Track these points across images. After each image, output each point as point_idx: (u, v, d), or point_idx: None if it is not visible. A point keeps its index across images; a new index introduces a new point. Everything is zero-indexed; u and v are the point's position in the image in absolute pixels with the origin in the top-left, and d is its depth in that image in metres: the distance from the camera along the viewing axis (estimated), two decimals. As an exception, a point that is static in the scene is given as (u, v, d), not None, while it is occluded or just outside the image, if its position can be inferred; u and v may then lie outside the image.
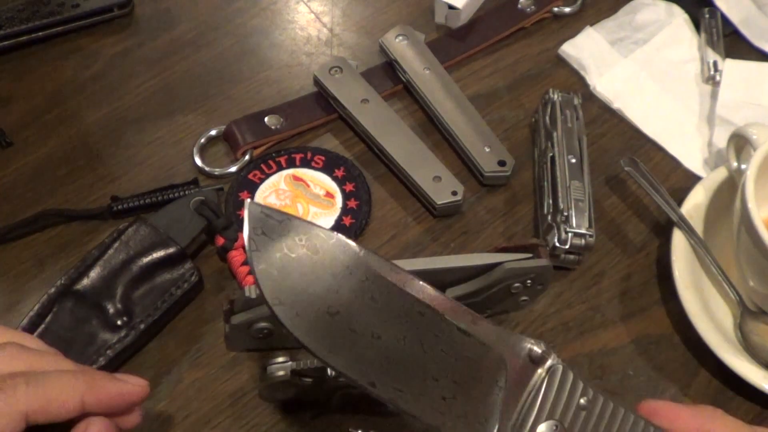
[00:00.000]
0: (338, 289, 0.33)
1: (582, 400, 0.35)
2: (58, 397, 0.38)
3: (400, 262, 0.54)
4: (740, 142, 0.62)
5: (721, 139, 0.69)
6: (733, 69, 0.73)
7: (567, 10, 0.79)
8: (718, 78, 0.74)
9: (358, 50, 0.76)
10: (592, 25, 0.78)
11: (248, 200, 0.34)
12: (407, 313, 0.34)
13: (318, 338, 0.32)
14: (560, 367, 0.35)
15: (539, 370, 0.35)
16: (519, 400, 0.34)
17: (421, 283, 0.35)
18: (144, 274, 0.57)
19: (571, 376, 0.35)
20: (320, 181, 0.66)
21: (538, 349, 0.35)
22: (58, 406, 0.38)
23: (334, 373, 0.52)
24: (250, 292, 0.52)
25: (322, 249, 0.33)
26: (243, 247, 0.60)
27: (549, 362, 0.35)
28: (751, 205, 0.54)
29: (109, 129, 0.69)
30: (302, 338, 0.32)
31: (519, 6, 0.79)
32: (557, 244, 0.59)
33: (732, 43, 0.78)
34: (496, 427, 0.34)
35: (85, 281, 0.56)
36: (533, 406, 0.34)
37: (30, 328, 0.55)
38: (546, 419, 0.34)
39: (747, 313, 0.58)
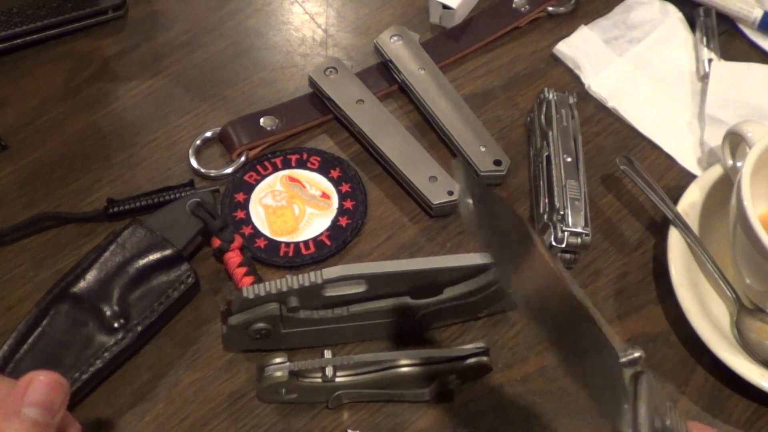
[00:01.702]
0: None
1: (668, 403, 0.38)
2: None
3: (397, 263, 0.54)
4: (735, 140, 0.62)
5: (712, 138, 0.69)
6: (720, 70, 0.74)
7: (561, 9, 0.79)
8: (712, 76, 0.74)
9: (352, 51, 0.76)
10: (586, 24, 0.78)
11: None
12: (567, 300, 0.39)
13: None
14: (647, 372, 0.38)
15: (632, 372, 0.38)
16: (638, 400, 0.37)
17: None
18: (140, 277, 0.57)
19: (653, 380, 0.38)
20: (316, 181, 0.66)
21: (637, 354, 0.38)
22: None
23: (331, 373, 0.52)
24: (247, 292, 0.52)
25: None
26: (240, 248, 0.60)
27: (639, 366, 0.38)
28: (747, 202, 0.54)
29: (104, 131, 0.69)
30: None
31: (513, 5, 0.79)
32: (553, 243, 0.59)
33: (726, 41, 0.78)
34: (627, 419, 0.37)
35: (82, 284, 0.56)
36: (644, 400, 0.37)
37: (26, 332, 0.55)
38: (655, 412, 0.37)
39: (743, 310, 0.58)
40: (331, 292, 0.53)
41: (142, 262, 0.57)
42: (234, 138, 0.67)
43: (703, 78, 0.74)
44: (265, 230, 0.63)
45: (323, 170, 0.67)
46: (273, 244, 0.62)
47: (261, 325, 0.53)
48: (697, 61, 0.76)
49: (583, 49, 0.76)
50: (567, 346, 0.38)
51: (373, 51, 0.74)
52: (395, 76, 0.72)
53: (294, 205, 0.64)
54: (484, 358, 0.54)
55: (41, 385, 0.40)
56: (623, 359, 0.38)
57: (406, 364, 0.53)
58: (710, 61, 0.75)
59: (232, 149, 0.67)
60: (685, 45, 0.77)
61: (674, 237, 0.61)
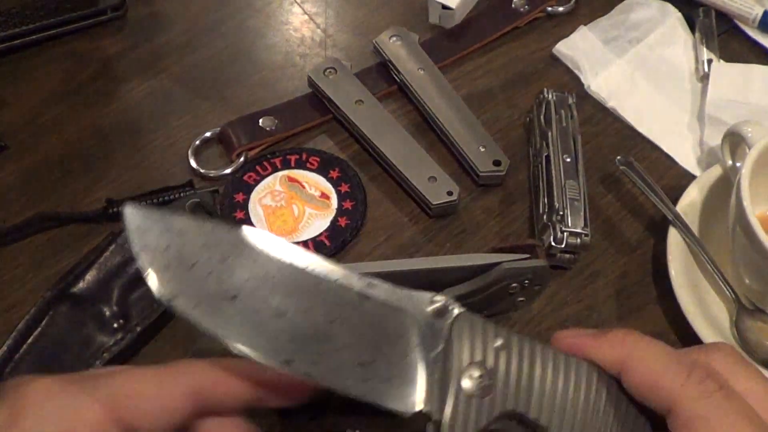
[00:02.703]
0: (232, 272, 0.33)
1: (498, 342, 0.34)
2: (226, 379, 0.34)
3: (396, 263, 0.54)
4: (735, 140, 0.62)
5: (711, 138, 0.69)
6: (720, 70, 0.74)
7: (561, 9, 0.79)
8: (712, 76, 0.74)
9: (352, 51, 0.76)
10: (586, 24, 0.78)
11: (123, 207, 0.33)
12: (304, 286, 0.33)
13: (221, 325, 0.32)
14: (466, 314, 0.34)
15: (447, 321, 0.34)
16: (436, 352, 0.33)
17: (308, 254, 0.34)
18: (140, 277, 0.57)
19: (480, 321, 0.34)
20: (315, 182, 0.66)
21: (439, 300, 0.34)
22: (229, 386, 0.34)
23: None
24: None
25: (204, 239, 0.33)
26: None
27: (455, 311, 0.34)
28: (747, 203, 0.54)
29: (104, 132, 0.69)
30: (206, 326, 0.32)
31: (513, 5, 0.79)
32: (553, 244, 0.59)
33: (726, 41, 0.78)
34: (424, 384, 0.33)
35: (81, 284, 0.56)
36: (451, 356, 0.33)
37: (26, 332, 0.54)
38: (468, 365, 0.33)
39: (743, 310, 0.58)
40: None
41: (142, 262, 0.57)
42: (233, 138, 0.67)
43: (703, 78, 0.74)
44: (265, 230, 0.63)
45: (322, 170, 0.67)
46: (272, 245, 0.62)
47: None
48: (696, 62, 0.76)
49: (582, 49, 0.76)
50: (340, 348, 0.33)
51: (372, 51, 0.74)
52: (394, 76, 0.72)
53: (293, 206, 0.64)
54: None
55: None
56: (428, 311, 0.34)
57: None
58: (710, 61, 0.75)
59: (232, 150, 0.67)
60: (684, 45, 0.77)
61: (674, 237, 0.61)
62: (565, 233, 0.59)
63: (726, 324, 0.59)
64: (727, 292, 0.59)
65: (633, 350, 0.35)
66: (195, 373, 0.34)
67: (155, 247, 0.32)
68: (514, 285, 0.55)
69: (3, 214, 0.63)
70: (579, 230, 0.60)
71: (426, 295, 0.35)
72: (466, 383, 0.32)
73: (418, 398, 0.32)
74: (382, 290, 0.34)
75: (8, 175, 0.66)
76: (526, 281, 0.55)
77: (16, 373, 0.53)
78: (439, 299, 0.34)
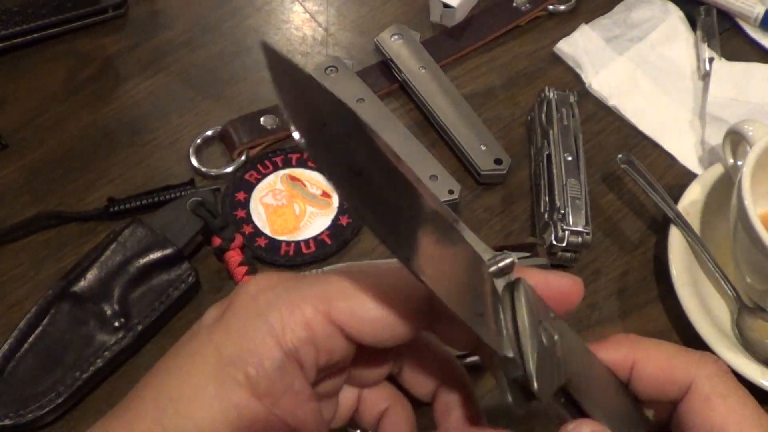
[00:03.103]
0: (354, 150, 0.31)
1: (551, 314, 0.33)
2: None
3: (396, 261, 0.54)
4: (736, 139, 0.62)
5: (712, 137, 0.69)
6: (721, 69, 0.74)
7: (562, 7, 0.79)
8: (713, 75, 0.74)
9: (353, 50, 0.76)
10: (587, 22, 0.78)
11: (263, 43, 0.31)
12: (409, 194, 0.32)
13: (357, 196, 0.29)
14: (527, 282, 0.33)
15: (508, 283, 0.33)
16: (502, 309, 0.32)
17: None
18: (141, 276, 0.57)
19: (534, 291, 0.33)
20: (317, 180, 0.66)
21: (509, 259, 0.33)
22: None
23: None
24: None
25: (332, 109, 0.31)
26: (241, 247, 0.60)
27: (514, 275, 0.33)
28: (748, 201, 0.54)
29: (105, 130, 0.69)
30: (346, 192, 0.29)
31: (514, 4, 0.79)
32: (554, 242, 0.59)
33: (728, 40, 0.78)
34: (504, 333, 0.31)
35: (82, 283, 0.56)
36: (524, 312, 0.31)
37: (27, 330, 0.55)
38: (540, 323, 0.32)
39: (744, 309, 0.58)
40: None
41: (143, 261, 0.57)
42: (234, 137, 0.67)
43: (704, 77, 0.74)
44: (266, 229, 0.63)
45: (324, 169, 0.66)
46: (274, 243, 0.62)
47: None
48: (698, 60, 0.76)
49: (583, 47, 0.76)
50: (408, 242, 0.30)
51: (373, 50, 0.74)
52: (396, 75, 0.72)
53: (295, 204, 0.64)
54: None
55: None
56: (492, 267, 0.33)
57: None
58: (711, 60, 0.75)
59: (233, 148, 0.67)
60: (686, 44, 0.77)
61: (675, 236, 0.60)
62: (567, 232, 0.59)
63: (727, 322, 0.59)
64: (729, 291, 0.59)
65: (640, 345, 0.35)
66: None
67: (289, 90, 0.30)
68: (515, 283, 0.55)
69: (4, 212, 0.63)
70: (580, 229, 0.60)
71: (489, 249, 0.34)
72: (543, 339, 0.31)
73: (504, 343, 0.31)
74: (465, 233, 0.34)
75: (9, 174, 0.66)
76: (528, 280, 0.55)
77: (17, 372, 0.53)
78: (507, 257, 0.33)
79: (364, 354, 0.34)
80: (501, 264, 0.33)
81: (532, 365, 0.30)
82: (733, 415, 0.33)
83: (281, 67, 0.30)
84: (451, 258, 0.32)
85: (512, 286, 0.32)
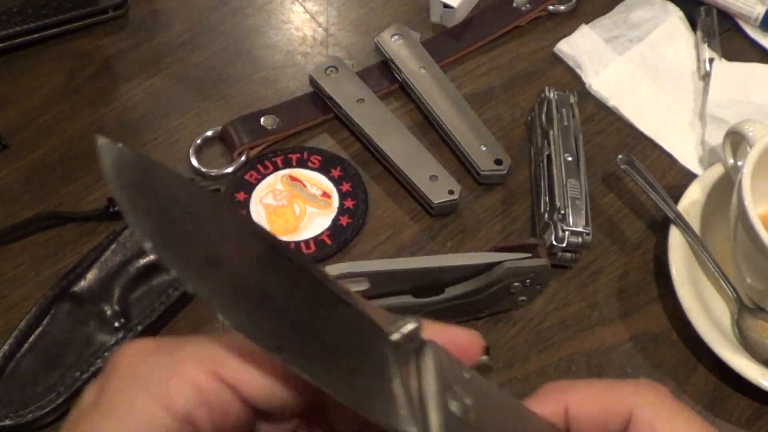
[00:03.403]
0: (215, 237, 0.29)
1: (466, 375, 0.31)
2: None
3: (398, 261, 0.54)
4: (736, 139, 0.62)
5: (713, 137, 0.69)
6: (722, 69, 0.74)
7: (562, 8, 0.79)
8: (713, 75, 0.74)
9: (353, 50, 0.76)
10: (587, 23, 0.78)
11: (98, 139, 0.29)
12: (287, 273, 0.30)
13: (212, 292, 0.27)
14: (434, 344, 0.30)
15: (415, 345, 0.30)
16: (408, 374, 0.30)
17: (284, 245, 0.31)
18: (141, 276, 0.57)
19: (446, 353, 0.31)
20: (317, 181, 0.66)
21: (413, 325, 0.30)
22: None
23: None
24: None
25: (189, 197, 0.29)
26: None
27: (423, 337, 0.31)
28: (748, 201, 0.54)
29: (105, 131, 0.69)
30: (199, 291, 0.27)
31: (514, 4, 0.78)
32: (554, 243, 0.59)
33: (727, 40, 0.78)
34: (405, 407, 0.29)
35: (83, 283, 0.56)
36: (429, 379, 0.29)
37: (27, 331, 0.55)
38: (448, 389, 0.29)
39: (744, 309, 0.58)
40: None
41: (143, 261, 0.57)
42: (234, 137, 0.67)
43: (704, 77, 0.74)
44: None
45: (324, 169, 0.67)
46: (274, 244, 0.62)
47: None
48: (698, 60, 0.76)
49: (583, 48, 0.76)
50: (307, 344, 0.28)
51: (373, 50, 0.74)
52: (396, 75, 0.72)
53: (295, 205, 0.64)
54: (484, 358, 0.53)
55: None
56: (395, 335, 0.30)
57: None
58: (711, 60, 0.75)
59: (233, 148, 0.67)
60: (686, 44, 0.77)
61: (675, 236, 0.60)
62: (567, 232, 0.59)
63: (727, 323, 0.59)
64: (729, 291, 0.59)
65: (569, 389, 0.34)
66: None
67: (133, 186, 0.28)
68: (515, 284, 0.55)
69: (4, 213, 0.63)
70: (580, 229, 0.59)
71: (397, 317, 0.31)
72: (452, 407, 0.29)
73: (406, 418, 0.28)
74: (361, 303, 0.31)
75: (9, 174, 0.66)
76: (528, 280, 0.55)
77: (17, 373, 0.53)
78: (415, 323, 0.30)
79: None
80: (404, 330, 0.30)
81: None
82: None
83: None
84: (334, 336, 0.29)
85: (417, 353, 0.30)
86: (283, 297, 0.29)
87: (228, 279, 0.28)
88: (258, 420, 0.32)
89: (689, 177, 0.67)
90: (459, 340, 0.33)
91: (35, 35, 0.73)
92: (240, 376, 0.29)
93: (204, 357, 0.29)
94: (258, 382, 0.29)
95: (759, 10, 0.77)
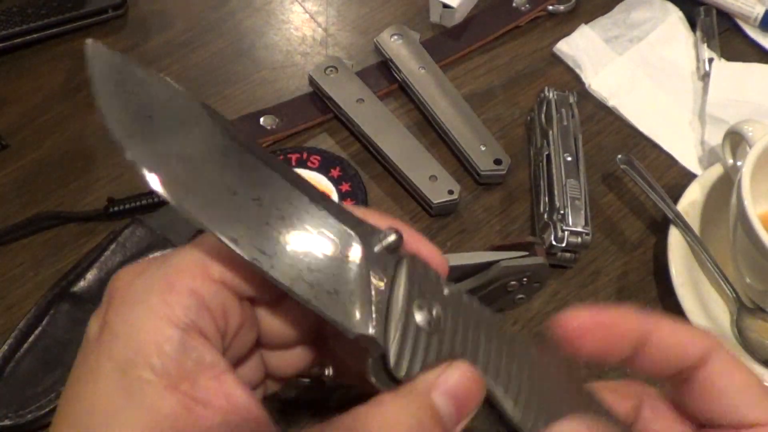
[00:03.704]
0: (189, 138, 0.30)
1: (446, 290, 0.32)
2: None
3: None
4: (736, 139, 0.62)
5: (712, 137, 0.69)
6: (721, 69, 0.74)
7: (561, 8, 0.79)
8: (713, 75, 0.74)
9: (353, 50, 0.76)
10: (586, 23, 0.78)
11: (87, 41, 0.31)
12: (256, 175, 0.30)
13: (179, 190, 0.29)
14: (416, 259, 0.32)
15: (396, 258, 0.31)
16: (382, 284, 0.30)
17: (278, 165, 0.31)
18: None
19: (429, 268, 0.32)
20: (316, 181, 0.66)
21: (394, 237, 0.31)
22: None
23: (331, 372, 0.51)
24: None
25: (167, 94, 0.31)
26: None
27: (396, 249, 0.32)
28: (748, 201, 0.54)
29: (104, 131, 0.69)
30: (166, 194, 0.29)
31: (514, 4, 0.79)
32: (554, 242, 0.59)
33: (727, 40, 0.78)
34: (368, 304, 0.29)
35: (82, 283, 0.56)
36: (399, 289, 0.30)
37: (27, 331, 0.54)
38: (417, 300, 0.30)
39: (744, 309, 0.58)
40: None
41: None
42: (234, 137, 0.67)
43: (704, 77, 0.74)
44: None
45: (323, 169, 0.66)
46: (273, 244, 0.62)
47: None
48: (697, 60, 0.76)
49: (583, 48, 0.76)
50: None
51: (373, 50, 0.74)
52: (395, 75, 0.72)
53: (294, 205, 0.64)
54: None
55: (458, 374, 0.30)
56: (377, 246, 0.31)
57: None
58: (711, 60, 0.75)
59: (233, 148, 0.67)
60: (685, 44, 0.77)
61: (674, 236, 0.60)
62: (566, 232, 0.59)
63: (726, 323, 0.59)
64: (728, 291, 0.59)
65: (654, 321, 0.34)
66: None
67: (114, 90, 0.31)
68: (513, 282, 0.55)
69: (3, 213, 0.63)
70: (580, 229, 0.59)
71: (375, 229, 0.32)
72: (417, 315, 0.30)
73: (364, 322, 0.29)
74: (334, 208, 0.31)
75: (9, 174, 0.66)
76: (525, 279, 0.55)
77: (17, 373, 0.53)
78: (394, 235, 0.31)
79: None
80: (385, 242, 0.31)
81: (391, 342, 0.29)
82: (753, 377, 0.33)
83: (111, 62, 0.31)
84: (302, 240, 0.30)
85: (396, 264, 0.31)
86: (251, 199, 0.29)
87: (191, 174, 0.29)
88: (264, 349, 0.33)
89: (689, 177, 0.67)
90: (430, 257, 0.33)
91: (35, 35, 0.73)
92: (230, 273, 0.30)
93: (193, 263, 0.30)
94: (247, 276, 0.30)
95: (758, 10, 0.77)
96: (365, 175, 0.67)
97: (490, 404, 0.31)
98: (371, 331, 0.29)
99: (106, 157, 0.67)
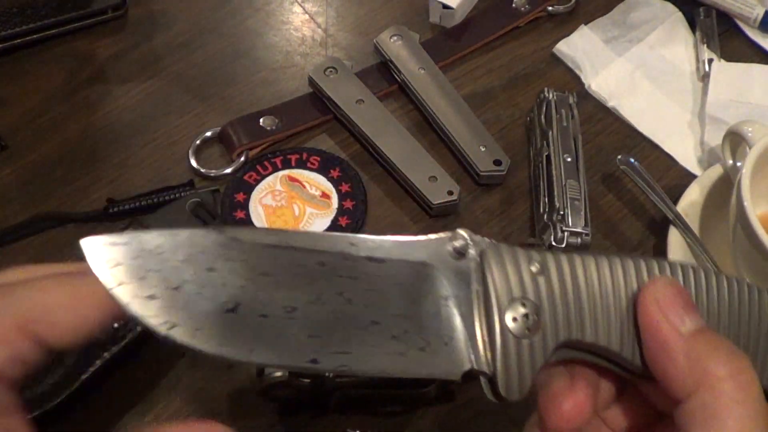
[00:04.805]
0: (223, 281, 0.28)
1: (533, 267, 0.30)
2: (64, 302, 0.30)
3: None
4: (735, 140, 0.62)
5: (712, 138, 0.69)
6: (721, 70, 0.74)
7: (561, 8, 0.79)
8: (712, 76, 0.74)
9: (352, 51, 0.76)
10: (586, 23, 0.78)
11: (81, 241, 0.31)
12: (308, 271, 0.29)
13: (231, 343, 0.27)
14: (491, 246, 0.31)
15: (471, 261, 0.31)
16: (470, 298, 0.30)
17: (303, 233, 0.30)
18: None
19: (507, 249, 0.31)
20: (316, 181, 0.66)
21: (459, 242, 0.31)
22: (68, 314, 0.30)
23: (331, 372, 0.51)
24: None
25: (183, 252, 0.28)
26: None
27: (478, 247, 0.31)
28: (747, 202, 0.54)
29: (104, 131, 0.69)
30: (215, 351, 0.27)
31: (513, 5, 0.79)
32: (554, 243, 0.59)
33: (727, 41, 0.78)
34: (464, 338, 0.29)
35: (82, 284, 0.56)
36: (488, 299, 0.30)
37: (26, 332, 0.54)
38: (508, 304, 0.29)
39: (743, 310, 0.58)
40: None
41: (142, 262, 0.57)
42: (234, 138, 0.67)
43: (704, 78, 0.74)
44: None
45: (323, 170, 0.67)
46: (273, 244, 0.62)
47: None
48: (697, 61, 0.76)
49: (583, 48, 0.76)
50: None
51: (373, 51, 0.74)
52: (395, 75, 0.72)
53: (294, 205, 0.64)
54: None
55: None
56: (448, 256, 0.30)
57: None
58: (710, 61, 0.75)
59: (232, 149, 0.67)
60: (685, 45, 0.77)
61: (674, 237, 0.60)
62: (566, 233, 0.59)
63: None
64: (728, 292, 0.59)
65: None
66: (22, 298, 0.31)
67: (131, 278, 0.28)
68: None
69: (3, 213, 0.63)
70: (579, 230, 0.59)
71: (440, 237, 0.31)
72: (511, 325, 0.29)
73: (463, 357, 0.29)
74: (394, 248, 0.30)
75: (8, 175, 0.66)
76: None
77: (16, 373, 0.53)
78: (457, 238, 0.31)
79: None
80: (456, 244, 0.30)
81: (498, 368, 0.29)
82: None
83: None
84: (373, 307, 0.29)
85: (481, 262, 0.30)
86: (310, 302, 0.28)
87: (248, 318, 0.27)
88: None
89: (688, 178, 0.67)
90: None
91: (35, 36, 0.73)
92: (53, 332, 0.30)
93: (19, 314, 0.30)
94: (72, 334, 0.31)
95: (758, 11, 0.77)
96: (365, 175, 0.67)
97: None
98: (476, 365, 0.29)
99: (106, 158, 0.67)
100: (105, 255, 0.30)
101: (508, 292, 0.30)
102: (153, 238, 0.29)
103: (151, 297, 0.27)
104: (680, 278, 0.32)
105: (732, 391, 0.29)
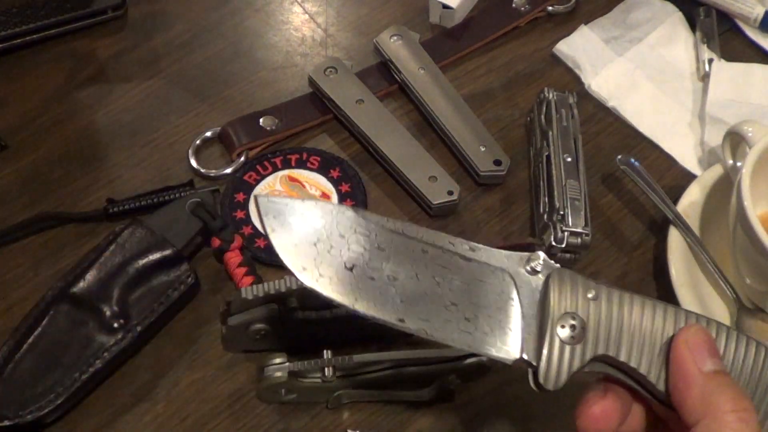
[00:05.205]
0: (348, 246, 0.37)
1: (590, 294, 0.37)
2: None
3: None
4: (735, 140, 0.62)
5: (712, 138, 0.69)
6: (721, 70, 0.74)
7: (561, 8, 0.79)
8: (713, 76, 0.74)
9: (352, 50, 0.76)
10: (586, 23, 0.78)
11: (254, 195, 0.37)
12: (413, 254, 0.38)
13: (343, 291, 0.36)
14: (560, 270, 0.38)
15: (541, 277, 0.38)
16: (533, 305, 0.37)
17: (416, 226, 0.39)
18: (140, 277, 0.57)
19: (572, 275, 0.38)
20: (316, 181, 0.66)
21: (535, 262, 0.38)
22: None
23: (331, 373, 0.52)
24: (247, 293, 0.51)
25: (325, 219, 0.37)
26: (240, 248, 0.60)
27: (547, 268, 0.38)
28: (747, 202, 0.54)
29: (104, 131, 0.69)
30: (330, 294, 0.36)
31: (513, 5, 0.78)
32: (554, 243, 0.59)
33: (727, 41, 0.78)
34: (521, 334, 0.37)
35: (81, 284, 0.56)
36: (547, 309, 0.37)
37: (26, 331, 0.55)
38: (561, 316, 0.37)
39: (744, 310, 0.58)
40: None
41: (142, 262, 0.57)
42: (234, 138, 0.67)
43: (704, 78, 0.74)
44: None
45: (323, 170, 0.66)
46: (273, 244, 0.62)
47: (260, 325, 0.53)
48: (697, 61, 0.76)
49: (583, 48, 0.76)
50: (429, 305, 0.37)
51: (373, 51, 0.74)
52: (395, 75, 0.72)
53: (294, 205, 0.64)
54: (483, 358, 0.54)
55: None
56: (524, 269, 0.38)
57: (406, 364, 0.53)
58: (711, 60, 0.75)
59: (232, 149, 0.67)
60: (685, 45, 0.77)
61: (674, 237, 0.60)
62: (566, 233, 0.59)
63: (726, 324, 0.59)
64: (728, 292, 0.59)
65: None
66: None
67: (284, 227, 0.37)
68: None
69: (3, 213, 0.63)
70: (579, 230, 0.59)
71: (523, 255, 0.39)
72: (560, 332, 0.36)
73: (517, 347, 0.37)
74: (483, 253, 0.39)
75: (8, 175, 0.66)
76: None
77: (16, 373, 0.53)
78: (535, 259, 0.38)
79: None
80: (532, 263, 0.38)
81: (542, 361, 0.36)
82: None
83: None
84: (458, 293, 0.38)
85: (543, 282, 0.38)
86: (409, 277, 0.37)
87: (361, 278, 0.37)
88: None
89: (688, 178, 0.67)
90: None
91: (34, 36, 0.73)
92: None
93: None
94: None
95: (758, 11, 0.77)
96: (365, 175, 0.67)
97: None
98: (525, 355, 0.36)
99: (106, 158, 0.67)
100: (270, 208, 0.37)
101: (563, 306, 0.37)
102: (304, 205, 0.38)
103: (295, 245, 0.37)
104: (713, 332, 0.38)
105: (733, 422, 0.34)
